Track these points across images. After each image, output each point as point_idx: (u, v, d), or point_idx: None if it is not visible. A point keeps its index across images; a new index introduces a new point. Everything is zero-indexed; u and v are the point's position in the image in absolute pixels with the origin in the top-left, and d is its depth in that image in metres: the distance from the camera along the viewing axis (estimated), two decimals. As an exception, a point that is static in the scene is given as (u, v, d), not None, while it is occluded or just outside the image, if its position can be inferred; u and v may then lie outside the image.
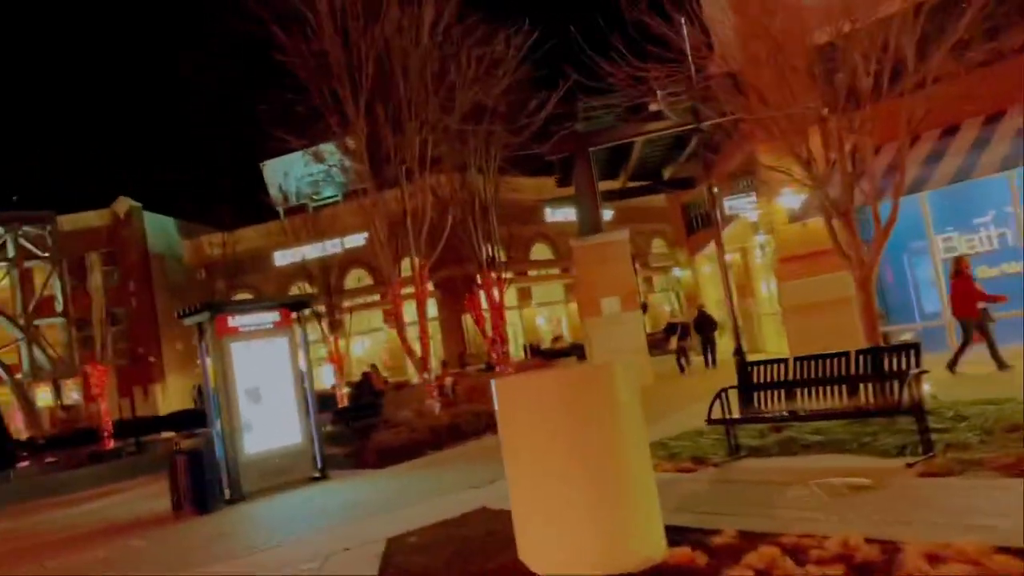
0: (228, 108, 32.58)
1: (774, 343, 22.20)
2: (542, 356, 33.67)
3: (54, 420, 39.27)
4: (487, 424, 15.40)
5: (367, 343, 41.97)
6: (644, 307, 25.17)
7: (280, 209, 40.40)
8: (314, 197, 38.59)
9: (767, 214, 16.91)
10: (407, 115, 17.44)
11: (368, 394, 24.42)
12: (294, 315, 13.55)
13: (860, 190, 9.12)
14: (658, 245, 45.76)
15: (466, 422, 15.30)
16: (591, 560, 5.35)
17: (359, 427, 16.44)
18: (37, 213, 41.76)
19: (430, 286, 19.68)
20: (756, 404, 8.86)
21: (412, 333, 19.53)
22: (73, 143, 61.73)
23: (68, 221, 43.05)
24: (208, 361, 12.78)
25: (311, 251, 37.16)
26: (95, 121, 67.32)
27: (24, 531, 13.56)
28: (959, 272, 11.83)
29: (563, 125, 19.70)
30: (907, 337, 13.47)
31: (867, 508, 6.06)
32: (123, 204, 44.16)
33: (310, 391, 13.48)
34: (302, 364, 13.50)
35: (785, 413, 8.35)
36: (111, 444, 25.68)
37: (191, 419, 26.74)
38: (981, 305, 11.66)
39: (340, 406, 25.34)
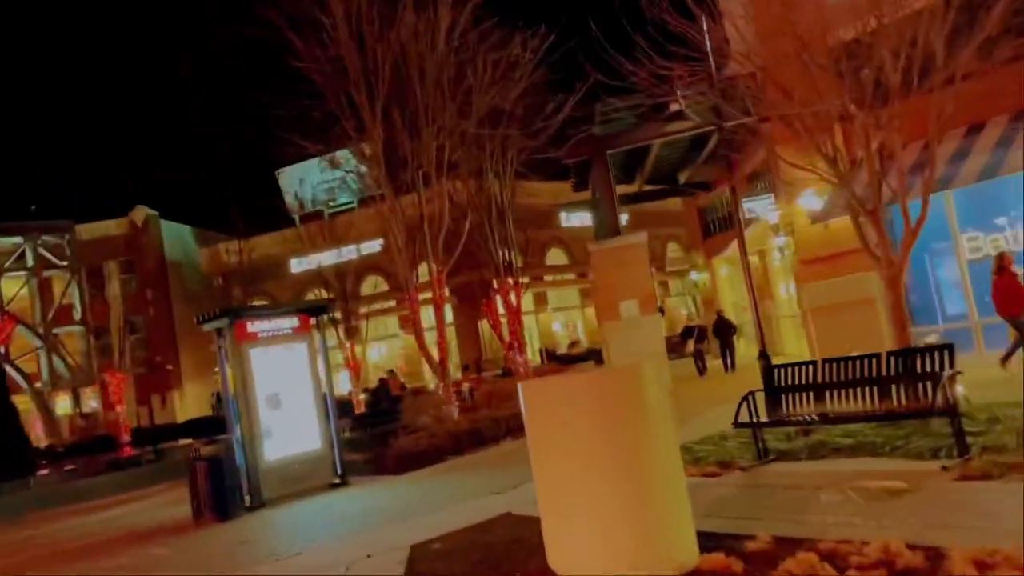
0: (244, 115, 32.69)
1: (793, 345, 21.98)
2: (558, 361, 33.53)
3: (73, 428, 39.56)
4: (507, 429, 15.30)
5: (383, 349, 41.99)
6: (661, 311, 25.02)
7: (296, 216, 40.50)
8: (330, 204, 38.66)
9: (787, 215, 16.72)
10: (424, 120, 17.39)
11: (385, 400, 24.40)
12: (313, 320, 13.50)
13: (888, 187, 8.97)
14: (673, 249, 45.53)
15: (485, 427, 15.17)
16: (622, 567, 5.22)
17: (378, 433, 16.37)
18: (55, 222, 42.12)
19: (446, 292, 19.57)
20: (783, 407, 8.70)
21: (429, 338, 19.44)
22: (90, 152, 62.20)
23: (86, 230, 43.38)
24: (227, 367, 12.74)
25: (327, 258, 37.21)
26: (111, 130, 67.83)
27: (44, 538, 13.57)
28: (1002, 268, 11.44)
29: (580, 129, 19.57)
30: (932, 339, 13.22)
31: (904, 512, 5.90)
32: (140, 212, 44.44)
33: (330, 397, 13.43)
34: (321, 370, 13.45)
35: (815, 416, 8.18)
36: (130, 452, 25.79)
37: (209, 426, 26.84)
38: None
39: (357, 412, 25.35)
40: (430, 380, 33.99)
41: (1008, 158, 11.85)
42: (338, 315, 32.29)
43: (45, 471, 24.79)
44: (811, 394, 8.43)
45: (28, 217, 41.88)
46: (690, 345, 25.67)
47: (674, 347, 26.40)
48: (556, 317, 42.71)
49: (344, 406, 23.11)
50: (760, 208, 19.21)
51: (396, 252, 17.93)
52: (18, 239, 41.45)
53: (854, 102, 8.56)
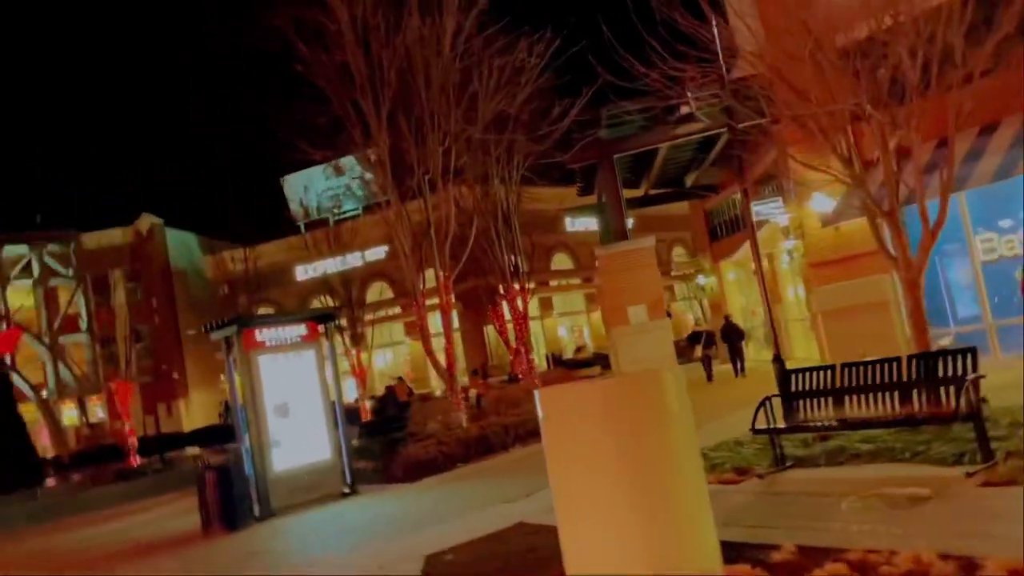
0: (248, 123, 32.68)
1: (802, 349, 21.85)
2: (565, 366, 33.40)
3: (79, 437, 39.49)
4: (516, 436, 15.20)
5: (389, 356, 41.90)
6: (668, 315, 24.89)
7: (301, 223, 40.47)
8: (335, 211, 38.62)
9: (797, 218, 16.59)
10: (429, 126, 17.31)
11: (392, 407, 24.27)
12: (321, 328, 13.40)
13: (905, 187, 8.85)
14: (679, 253, 45.39)
15: (494, 434, 15.06)
16: (644, 578, 5.09)
17: (386, 441, 16.25)
18: (60, 232, 42.14)
19: (452, 297, 19.47)
20: (799, 412, 8.56)
21: (435, 345, 19.33)
22: (95, 161, 62.27)
23: (91, 239, 43.39)
24: (235, 376, 12.65)
25: (332, 265, 37.15)
26: (115, 139, 67.97)
27: (52, 551, 13.47)
28: None
29: (586, 133, 19.49)
30: (945, 342, 13.07)
31: (931, 520, 5.77)
32: (145, 221, 44.45)
33: (339, 405, 13.32)
34: (330, 377, 13.35)
35: (834, 421, 8.04)
36: (136, 461, 25.65)
37: (215, 435, 26.73)
38: None
39: (364, 420, 25.22)
40: (436, 386, 33.88)
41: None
42: (344, 322, 32.20)
43: (52, 481, 24.68)
44: (829, 399, 8.29)
45: (33, 227, 41.90)
46: (698, 350, 25.52)
47: (681, 352, 26.26)
48: (562, 322, 42.60)
49: (351, 414, 23.00)
50: (769, 211, 19.09)
51: (403, 258, 17.83)
52: (23, 249, 41.45)
53: (870, 101, 8.43)
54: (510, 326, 24.73)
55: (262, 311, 37.36)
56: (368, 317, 35.55)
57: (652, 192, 27.09)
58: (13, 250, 41.18)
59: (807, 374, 8.65)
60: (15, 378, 37.61)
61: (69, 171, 61.34)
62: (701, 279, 34.15)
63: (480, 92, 17.83)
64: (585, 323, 43.39)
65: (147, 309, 43.43)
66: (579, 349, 38.39)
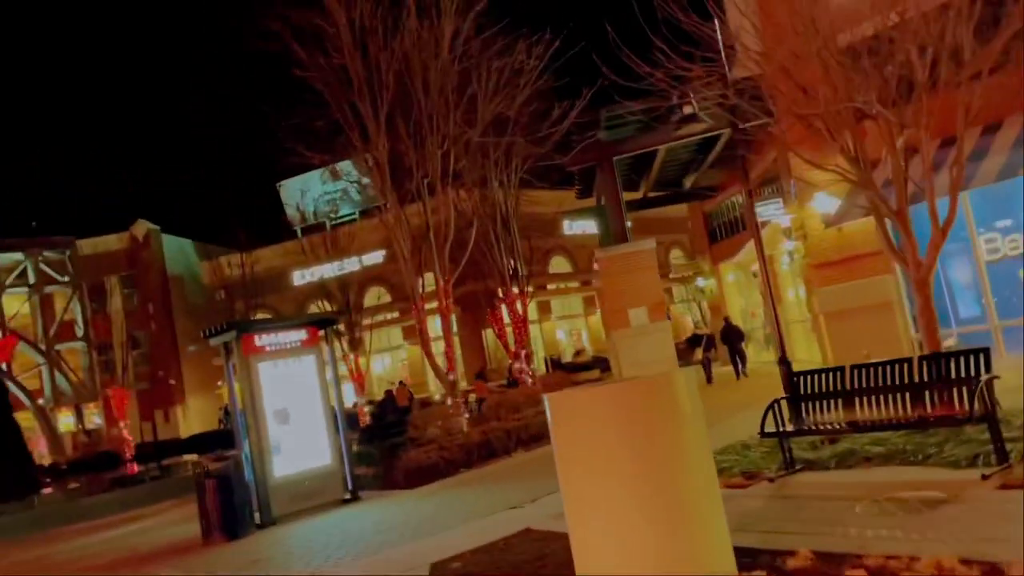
0: (245, 128, 32.61)
1: (803, 350, 21.75)
2: (564, 370, 33.26)
3: (76, 445, 39.28)
4: (519, 441, 15.08)
5: (387, 361, 41.74)
6: (667, 317, 24.78)
7: (298, 228, 40.35)
8: (332, 215, 38.50)
9: (798, 219, 16.51)
10: (428, 129, 17.21)
11: (392, 412, 24.14)
12: (321, 333, 13.27)
13: (914, 185, 8.76)
14: (676, 256, 45.33)
15: (497, 439, 14.94)
16: (658, 584, 4.98)
17: (386, 446, 16.11)
18: (56, 238, 41.97)
19: (451, 301, 19.36)
20: (807, 415, 8.46)
21: (434, 349, 19.21)
22: (91, 167, 62.11)
23: (87, 245, 43.21)
24: (235, 381, 12.52)
25: (329, 270, 37.03)
26: (112, 145, 67.77)
27: (49, 560, 13.31)
28: None
29: (585, 135, 19.40)
30: (949, 343, 13.00)
31: (948, 525, 5.65)
32: (141, 227, 44.29)
33: (339, 410, 13.20)
34: (331, 382, 13.22)
35: (843, 424, 7.93)
36: (134, 468, 25.51)
37: (213, 442, 26.62)
38: None
39: (362, 425, 25.09)
40: (435, 391, 33.75)
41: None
42: (342, 327, 32.06)
43: (49, 489, 24.51)
44: (838, 401, 8.18)
45: (29, 233, 41.75)
46: (698, 353, 25.43)
47: (681, 354, 26.16)
48: (560, 325, 42.49)
49: (349, 419, 22.89)
50: (770, 213, 19.01)
51: (402, 262, 17.73)
52: (19, 255, 41.27)
53: (878, 99, 8.34)
54: (509, 330, 24.64)
55: (259, 317, 37.20)
56: (366, 322, 35.45)
57: (651, 195, 26.99)
58: (9, 257, 41.00)
59: (815, 376, 8.54)
60: (11, 386, 37.47)
61: (65, 177, 61.17)
62: (700, 281, 34.05)
63: (479, 95, 17.75)
64: (583, 326, 43.30)
65: (143, 315, 43.27)
66: (578, 352, 38.20)
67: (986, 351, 7.13)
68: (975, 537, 5.25)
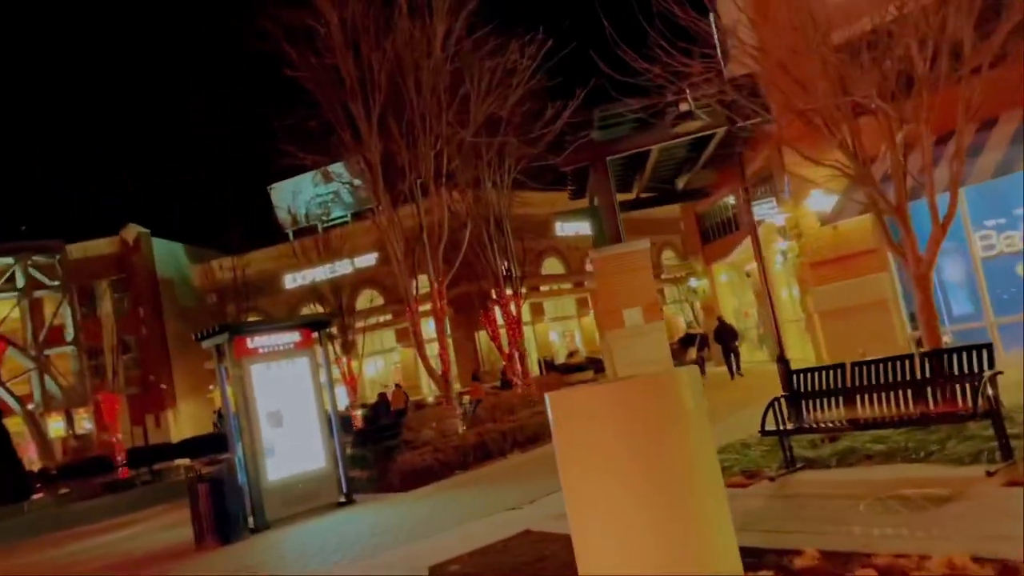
0: (237, 131, 32.44)
1: (798, 350, 21.71)
2: (558, 371, 33.18)
3: (66, 450, 38.98)
4: (514, 442, 14.99)
5: (379, 364, 41.58)
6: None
7: (289, 231, 40.17)
8: (323, 218, 38.35)
9: (793, 218, 16.47)
10: (421, 128, 17.11)
11: (385, 415, 24.00)
12: (315, 335, 13.14)
13: (913, 181, 8.69)
14: (668, 257, 45.32)
15: (492, 440, 14.83)
16: (663, 585, 4.88)
17: (381, 449, 15.99)
18: (46, 242, 41.62)
19: (445, 303, 19.24)
20: (806, 413, 8.38)
21: (428, 351, 19.08)
22: (80, 171, 61.73)
23: (77, 249, 42.88)
24: (227, 384, 12.38)
25: (321, 273, 36.87)
26: (102, 149, 67.43)
27: (41, 566, 13.14)
28: None
29: (578, 135, 19.30)
30: (946, 340, 12.94)
31: (954, 522, 5.58)
32: (131, 230, 44.00)
33: (333, 412, 13.07)
34: (325, 384, 13.10)
35: (844, 421, 7.86)
36: (125, 473, 25.27)
37: (205, 445, 26.38)
38: None
39: (356, 428, 24.94)
40: (428, 393, 33.62)
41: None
42: (334, 330, 31.90)
43: (39, 495, 24.24)
44: (839, 399, 8.10)
45: (18, 237, 41.38)
46: (692, 352, 25.38)
47: (674, 354, 26.12)
48: (553, 327, 42.40)
49: (343, 422, 22.74)
50: (764, 212, 18.96)
51: (395, 263, 17.63)
52: (8, 260, 40.91)
53: (878, 94, 8.27)
54: (503, 331, 24.54)
55: (251, 319, 36.98)
56: (359, 324, 35.31)
57: (643, 195, 26.92)
58: (-3, 261, 40.67)
59: (813, 374, 8.47)
60: (0, 391, 37.17)
61: (55, 181, 60.82)
62: (693, 282, 34.03)
63: (472, 94, 17.66)
64: (576, 328, 43.22)
65: (134, 320, 42.95)
66: (571, 354, 38.18)
67: (989, 346, 7.08)
68: (983, 535, 5.18)
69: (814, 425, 8.12)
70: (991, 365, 6.99)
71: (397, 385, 30.12)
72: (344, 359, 32.19)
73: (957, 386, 7.13)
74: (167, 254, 45.04)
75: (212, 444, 24.90)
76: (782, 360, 12.11)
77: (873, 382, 7.83)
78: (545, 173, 23.13)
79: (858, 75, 8.32)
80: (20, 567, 13.54)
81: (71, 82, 65.89)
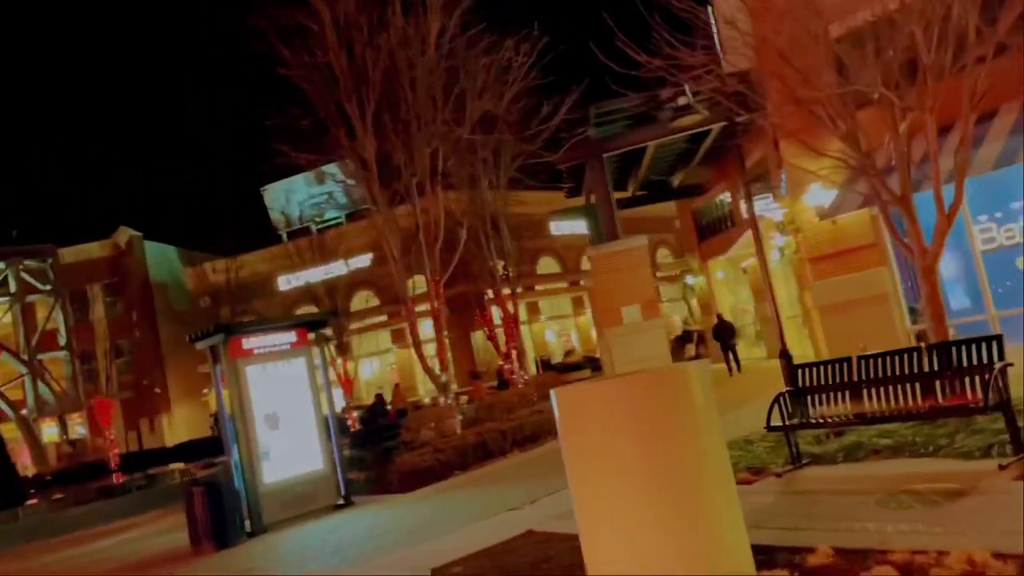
0: (229, 133, 32.24)
1: (795, 346, 21.60)
2: (554, 370, 33.05)
3: (60, 455, 38.69)
4: (514, 442, 14.86)
5: (375, 365, 41.38)
6: (658, 316, 24.62)
7: (283, 233, 39.95)
8: (317, 219, 38.15)
9: (791, 214, 16.37)
10: (416, 126, 16.97)
11: (381, 416, 23.84)
12: (311, 335, 12.98)
13: (916, 171, 8.59)
14: (663, 255, 45.20)
15: (492, 440, 14.69)
16: (673, 585, 4.75)
17: (379, 450, 15.84)
18: (37, 246, 41.30)
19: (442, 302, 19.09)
20: (810, 408, 8.26)
21: (424, 351, 18.94)
22: (72, 174, 61.40)
23: (69, 253, 42.58)
24: (222, 387, 12.22)
25: (316, 274, 36.66)
26: (94, 152, 67.10)
27: (35, 572, 12.95)
28: None
29: (574, 133, 19.19)
30: (949, 334, 12.83)
31: (970, 517, 5.46)
32: (124, 234, 43.72)
33: (331, 414, 12.92)
34: (322, 385, 12.94)
35: (851, 416, 7.74)
36: (119, 478, 25.06)
37: (200, 449, 26.21)
38: None
39: (352, 429, 24.78)
40: (425, 394, 33.46)
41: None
42: (329, 331, 31.71)
43: (34, 501, 24.02)
44: (845, 393, 7.99)
45: (9, 242, 41.05)
46: (690, 349, 25.29)
47: (671, 352, 26.03)
48: (549, 326, 42.26)
49: (340, 424, 22.59)
50: (762, 208, 18.86)
51: (392, 263, 17.48)
52: (-1, 264, 40.64)
53: (882, 83, 8.17)
54: (499, 331, 24.42)
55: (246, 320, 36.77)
56: (354, 326, 35.13)
57: (639, 193, 26.83)
58: (-11, 266, 40.36)
59: (818, 368, 8.36)
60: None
61: (46, 185, 60.46)
62: (690, 279, 33.93)
63: (467, 92, 17.53)
64: (572, 327, 43.08)
65: (127, 323, 42.67)
66: (568, 353, 38.04)
67: (999, 338, 6.96)
68: (1000, 530, 5.06)
69: (820, 420, 8.01)
70: (1001, 357, 6.87)
71: (396, 385, 30.00)
72: (340, 360, 31.99)
73: (966, 379, 7.02)
74: (160, 257, 44.77)
75: (208, 447, 24.71)
76: (785, 355, 11.99)
77: (880, 376, 7.71)
78: (541, 171, 23.02)
79: (861, 64, 8.21)
80: (15, 573, 13.35)
81: (62, 86, 65.62)
